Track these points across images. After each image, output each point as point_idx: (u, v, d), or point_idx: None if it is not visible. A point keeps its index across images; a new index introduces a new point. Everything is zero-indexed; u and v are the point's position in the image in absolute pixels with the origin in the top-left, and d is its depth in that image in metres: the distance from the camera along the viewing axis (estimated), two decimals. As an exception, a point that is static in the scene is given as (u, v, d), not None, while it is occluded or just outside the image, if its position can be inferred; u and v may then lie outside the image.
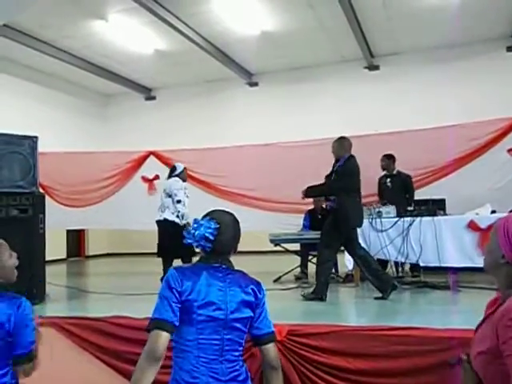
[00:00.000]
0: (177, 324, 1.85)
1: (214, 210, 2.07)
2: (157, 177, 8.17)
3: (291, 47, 10.23)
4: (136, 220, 7.73)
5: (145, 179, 8.23)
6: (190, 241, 1.97)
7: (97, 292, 5.65)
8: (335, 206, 4.79)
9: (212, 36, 9.60)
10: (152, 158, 8.22)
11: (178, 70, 11.39)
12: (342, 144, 4.94)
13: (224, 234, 1.98)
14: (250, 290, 1.98)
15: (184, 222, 5.76)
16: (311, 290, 4.80)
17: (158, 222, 5.89)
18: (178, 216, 5.76)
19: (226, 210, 2.12)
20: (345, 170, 4.77)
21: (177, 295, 1.86)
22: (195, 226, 1.97)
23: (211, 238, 1.93)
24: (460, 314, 4.12)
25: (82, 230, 11.69)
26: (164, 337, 1.81)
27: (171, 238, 5.62)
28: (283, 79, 11.43)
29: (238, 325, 1.93)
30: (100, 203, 8.05)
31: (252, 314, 1.98)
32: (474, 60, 9.81)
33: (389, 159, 6.34)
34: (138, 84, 12.50)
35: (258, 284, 2.05)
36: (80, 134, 11.57)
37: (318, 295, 4.63)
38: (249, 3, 8.32)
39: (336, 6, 8.11)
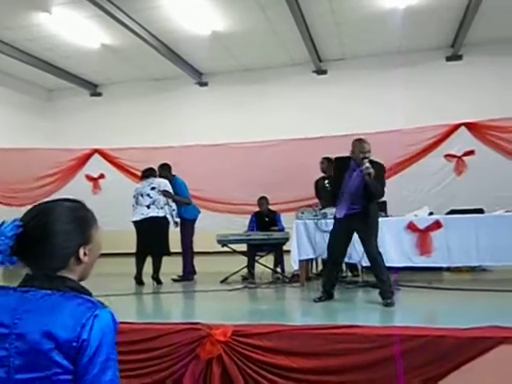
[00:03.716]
0: None
1: (35, 205, 1.35)
2: (102, 176, 7.96)
3: (242, 49, 10.25)
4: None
5: (89, 178, 7.99)
6: None
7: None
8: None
9: (161, 33, 9.44)
10: (97, 156, 8.00)
11: (125, 66, 11.13)
12: None
13: (39, 242, 1.26)
14: (60, 331, 1.15)
15: (176, 219, 6.27)
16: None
17: (155, 219, 6.04)
18: (170, 214, 6.18)
19: (63, 197, 1.39)
20: None
21: None
22: None
23: (6, 252, 1.22)
24: (399, 311, 4.29)
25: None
26: None
27: (166, 235, 6.12)
28: (233, 80, 11.43)
29: None
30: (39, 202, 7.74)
31: (69, 367, 1.15)
32: (415, 68, 10.21)
33: (328, 162, 6.42)
34: (83, 79, 12.08)
35: (90, 317, 1.17)
36: (22, 130, 11.01)
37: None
38: (199, 2, 8.25)
39: (285, 10, 8.22)
